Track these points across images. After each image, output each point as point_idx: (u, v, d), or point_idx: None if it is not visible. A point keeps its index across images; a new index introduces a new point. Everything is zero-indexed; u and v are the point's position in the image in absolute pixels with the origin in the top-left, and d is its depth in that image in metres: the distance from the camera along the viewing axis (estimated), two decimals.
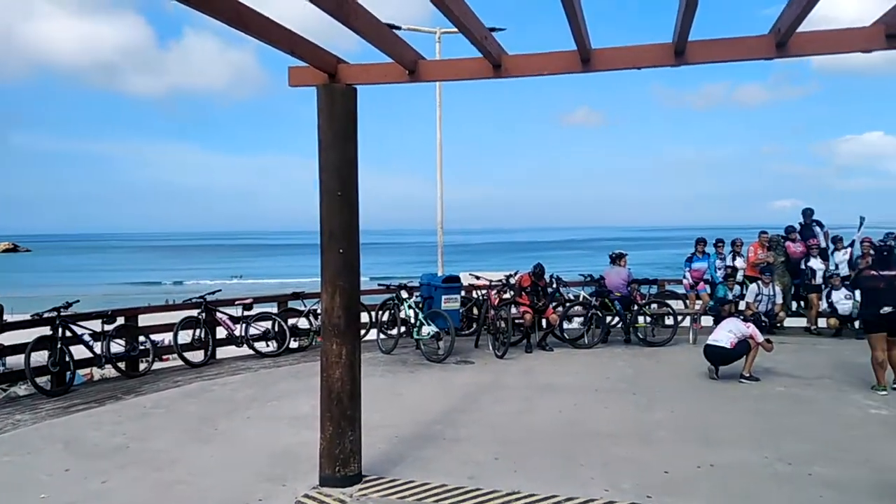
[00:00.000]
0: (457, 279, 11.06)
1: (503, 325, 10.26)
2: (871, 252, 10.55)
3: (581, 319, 11.75)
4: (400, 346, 10.64)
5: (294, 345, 11.00)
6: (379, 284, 11.93)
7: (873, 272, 8.05)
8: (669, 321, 11.81)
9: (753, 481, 5.24)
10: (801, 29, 4.34)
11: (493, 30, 9.08)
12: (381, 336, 10.89)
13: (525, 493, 5.03)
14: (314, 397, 5.59)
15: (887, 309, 7.70)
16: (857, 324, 10.95)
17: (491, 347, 10.41)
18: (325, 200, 5.10)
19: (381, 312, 11.26)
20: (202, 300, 10.42)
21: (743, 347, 8.49)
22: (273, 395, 8.06)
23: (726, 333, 8.57)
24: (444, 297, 10.53)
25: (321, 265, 5.15)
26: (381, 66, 5.11)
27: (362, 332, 11.25)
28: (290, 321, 11.05)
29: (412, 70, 5.06)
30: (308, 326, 11.20)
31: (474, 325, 11.65)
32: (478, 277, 12.36)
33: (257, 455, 5.94)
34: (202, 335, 10.18)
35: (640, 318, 11.55)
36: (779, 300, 11.74)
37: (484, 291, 11.85)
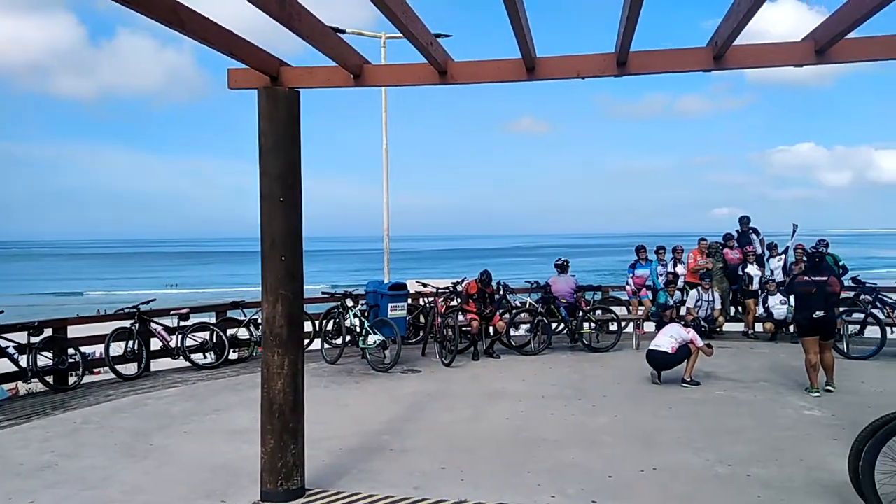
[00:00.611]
0: (403, 287, 10.98)
1: (450, 332, 10.23)
2: (804, 258, 10.98)
3: (528, 326, 11.83)
4: (345, 355, 10.48)
5: (234, 356, 10.70)
6: (323, 293, 11.74)
7: (806, 278, 8.32)
8: (613, 327, 12.03)
9: (695, 483, 5.34)
10: (737, 42, 4.47)
11: (438, 36, 9.04)
12: (326, 346, 10.71)
13: (472, 502, 4.99)
14: (255, 410, 5.43)
15: (819, 313, 7.98)
16: (791, 328, 11.36)
17: (438, 355, 10.36)
18: (267, 206, 4.96)
19: (325, 321, 11.08)
20: (135, 310, 10.03)
21: (684, 352, 8.69)
22: (211, 409, 7.80)
23: (668, 339, 8.76)
24: (390, 304, 10.43)
25: (262, 273, 5.01)
26: (325, 69, 5.02)
27: (306, 341, 11.07)
28: (230, 331, 10.74)
29: (357, 74, 4.99)
30: (248, 337, 10.91)
31: (421, 333, 11.59)
32: (425, 285, 12.31)
33: (195, 471, 5.73)
34: (135, 347, 9.80)
35: (586, 325, 11.72)
36: (718, 305, 12.08)
37: (431, 299, 11.82)
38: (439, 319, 10.60)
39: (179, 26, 3.94)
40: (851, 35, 4.39)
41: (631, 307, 13.14)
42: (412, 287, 12.65)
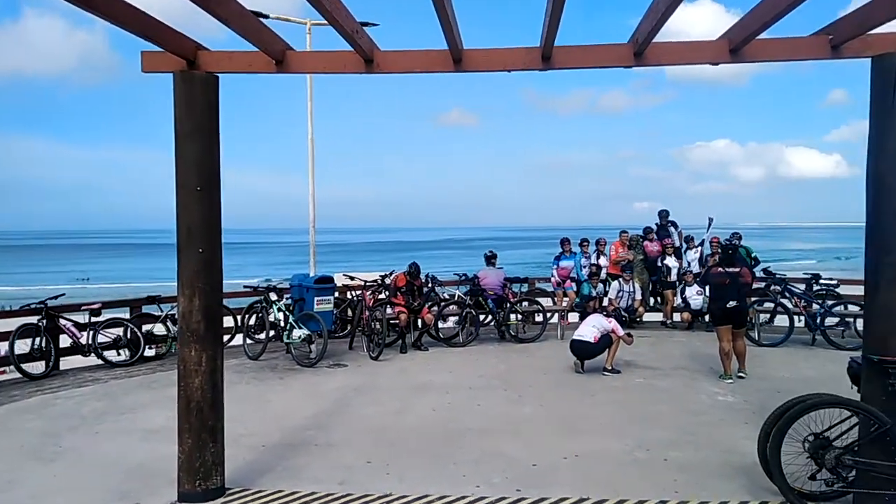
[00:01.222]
0: (330, 280, 10.82)
1: (378, 325, 10.15)
2: (719, 251, 11.48)
3: (456, 318, 11.88)
4: (269, 350, 10.24)
5: (150, 353, 10.27)
6: (245, 286, 11.42)
7: (720, 269, 8.66)
8: (539, 318, 12.23)
9: (615, 468, 5.49)
10: (656, 40, 4.60)
11: (365, 24, 8.90)
12: (248, 341, 10.43)
13: (397, 495, 4.96)
14: (172, 408, 5.22)
15: (732, 303, 8.36)
16: (706, 317, 11.87)
17: (365, 349, 10.27)
18: (183, 196, 4.76)
19: (247, 316, 10.80)
20: (42, 305, 9.46)
21: (605, 341, 8.93)
22: (125, 408, 7.46)
23: (590, 329, 8.98)
24: (316, 298, 10.26)
25: (178, 266, 4.80)
26: (245, 54, 4.86)
27: (227, 337, 10.76)
28: (145, 327, 10.28)
29: (280, 60, 4.84)
30: (166, 333, 10.48)
31: (349, 327, 11.45)
32: (352, 278, 12.17)
33: (108, 473, 5.46)
34: (43, 344, 9.23)
35: (513, 316, 11.86)
36: (638, 296, 12.47)
37: (358, 292, 11.70)
38: (367, 313, 10.51)
39: (88, 6, 3.72)
40: (763, 35, 4.59)
41: (556, 298, 13.41)
42: (339, 280, 12.49)
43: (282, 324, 10.00)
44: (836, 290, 12.30)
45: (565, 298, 13.10)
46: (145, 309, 10.69)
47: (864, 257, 4.67)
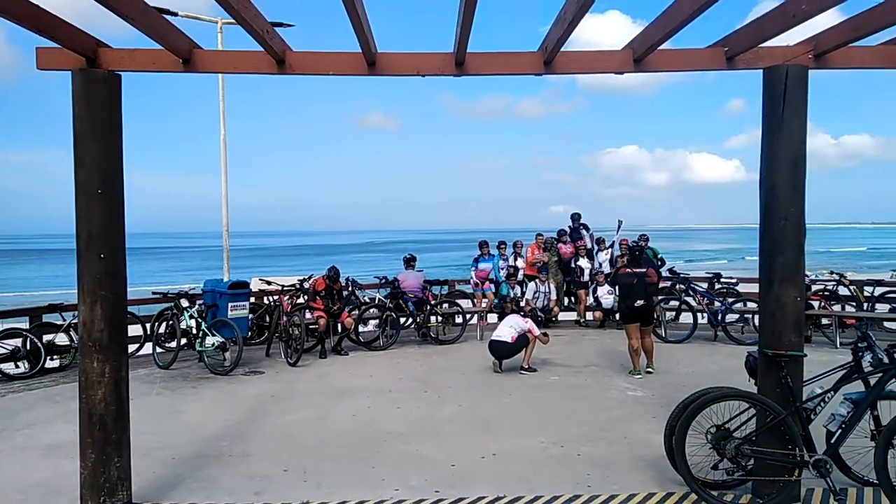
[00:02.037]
0: (244, 285, 10.54)
1: (296, 331, 9.97)
2: (627, 252, 11.94)
3: (376, 322, 11.83)
4: (180, 359, 9.86)
5: (53, 364, 9.70)
6: (154, 293, 10.97)
7: (628, 270, 9.02)
8: (459, 319, 12.35)
9: (531, 465, 5.61)
10: (565, 49, 4.74)
11: (278, 25, 8.76)
12: (159, 350, 10.01)
13: (315, 503, 4.89)
14: (75, 422, 4.94)
15: (640, 302, 8.74)
16: (617, 316, 12.31)
17: (283, 355, 10.06)
18: (83, 199, 4.53)
19: (157, 324, 10.38)
20: None
21: (522, 341, 9.12)
22: (24, 423, 7.02)
23: (508, 329, 9.16)
24: (230, 304, 9.97)
25: (78, 273, 4.56)
26: (149, 52, 4.68)
27: (136, 346, 10.32)
28: (46, 337, 9.70)
29: (187, 59, 4.69)
30: (69, 343, 9.92)
31: (266, 333, 11.19)
32: (269, 283, 11.92)
33: (5, 492, 5.12)
34: None
35: (433, 318, 11.92)
36: (553, 296, 12.81)
37: (276, 297, 11.46)
38: (284, 318, 10.30)
39: None
40: (665, 46, 4.82)
41: (475, 300, 13.58)
42: (256, 285, 12.20)
43: (194, 331, 9.67)
44: (736, 288, 13.04)
45: (484, 300, 13.29)
46: (47, 318, 10.07)
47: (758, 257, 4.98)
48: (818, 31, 5.09)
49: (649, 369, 8.98)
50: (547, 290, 12.64)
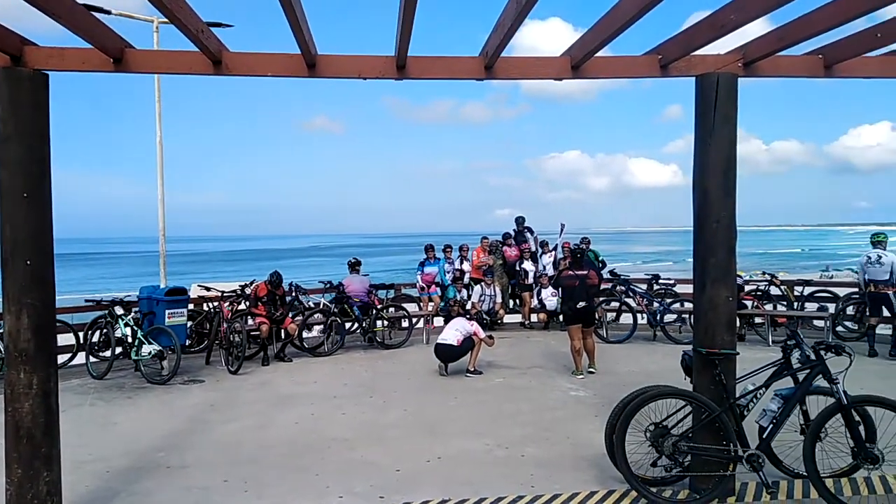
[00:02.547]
0: (182, 291, 10.24)
1: (237, 338, 9.75)
2: (570, 255, 12.16)
3: (321, 327, 11.68)
4: (116, 369, 9.52)
5: None
6: (87, 300, 10.55)
7: (570, 272, 9.23)
8: (406, 323, 12.31)
9: (476, 468, 5.63)
10: (505, 54, 4.80)
11: (216, 25, 8.57)
12: (92, 359, 9.64)
13: None
14: (2, 436, 4.71)
15: (582, 303, 8.93)
16: (560, 317, 12.49)
17: (224, 363, 9.82)
18: (8, 203, 4.31)
19: (90, 332, 9.99)
20: None
21: (468, 344, 9.16)
22: None
23: (453, 332, 9.19)
24: (167, 311, 9.67)
25: (2, 280, 4.35)
26: (78, 51, 4.51)
27: (68, 356, 9.92)
28: None
29: (118, 59, 4.54)
30: None
31: (206, 341, 10.91)
32: (208, 289, 11.62)
33: None
34: None
35: (379, 323, 11.85)
36: (499, 299, 12.91)
37: (216, 303, 11.18)
38: (225, 325, 10.06)
39: None
40: (602, 53, 4.92)
41: (421, 304, 13.56)
42: (195, 292, 11.88)
43: (129, 339, 9.33)
44: (674, 288, 13.42)
45: (430, 303, 13.29)
46: None
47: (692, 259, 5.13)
48: (747, 41, 5.30)
49: (591, 369, 9.16)
50: (492, 292, 12.74)
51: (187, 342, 10.48)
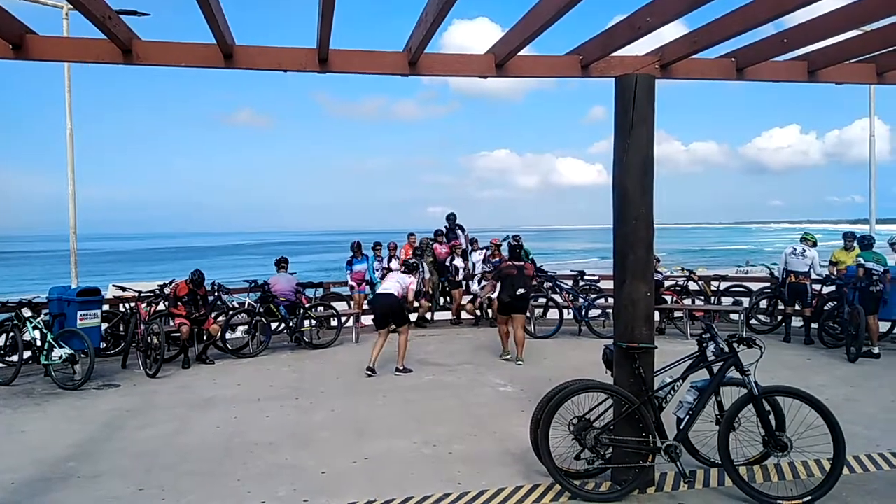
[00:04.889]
0: (96, 292, 9.74)
1: (155, 340, 9.35)
2: (497, 249, 12.35)
3: (245, 328, 11.36)
4: (23, 374, 8.98)
5: None
6: None
7: (509, 263, 10.04)
8: (335, 323, 12.12)
9: (403, 467, 5.59)
10: (429, 51, 4.77)
11: (129, 13, 8.17)
12: None
13: None
14: None
15: (520, 291, 9.59)
16: (489, 313, 12.63)
17: (141, 366, 9.42)
18: None
19: None
20: None
21: (401, 305, 9.21)
22: None
23: (394, 283, 9.28)
24: (79, 313, 9.19)
25: None
26: None
27: None
28: None
29: (17, 45, 4.26)
30: None
31: (122, 343, 10.43)
32: (124, 289, 11.11)
33: None
34: None
35: (306, 322, 11.63)
36: (427, 276, 12.95)
37: (132, 304, 10.70)
38: (142, 326, 9.64)
39: None
40: (524, 52, 4.97)
41: (352, 302, 13.41)
42: (110, 292, 11.36)
43: (38, 343, 8.83)
44: (598, 284, 13.76)
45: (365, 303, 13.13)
46: None
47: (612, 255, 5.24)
48: (664, 43, 5.46)
49: (519, 361, 9.41)
50: (422, 270, 12.78)
51: (102, 345, 10.00)
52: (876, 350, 9.76)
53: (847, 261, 11.03)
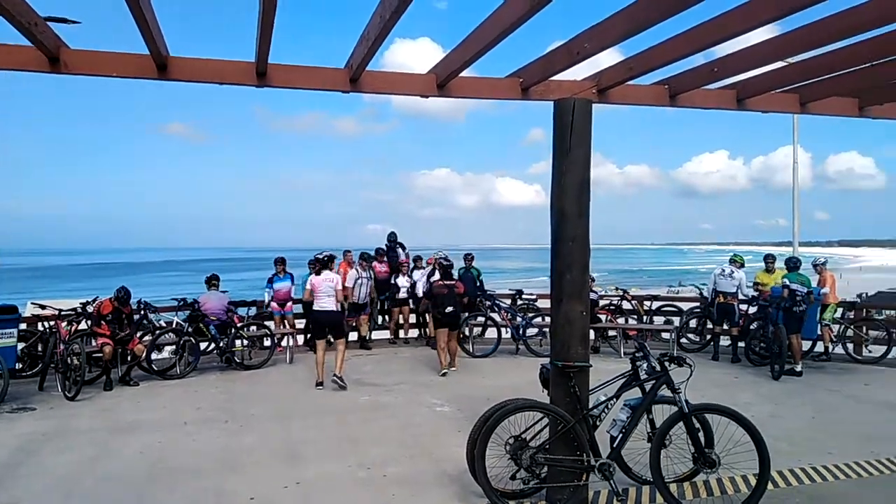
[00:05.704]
0: (12, 309, 9.18)
1: (75, 360, 8.88)
2: (439, 267, 12.33)
3: (173, 348, 10.91)
4: None
5: None
6: None
7: (441, 282, 10.37)
8: (268, 342, 11.80)
9: (336, 491, 5.45)
10: (371, 68, 4.75)
11: (59, 20, 7.85)
12: None
13: None
14: None
15: (450, 308, 10.00)
16: (427, 331, 12.62)
17: (60, 388, 8.91)
18: None
19: None
20: None
21: (339, 312, 9.58)
22: None
23: (328, 298, 9.37)
24: None
25: None
26: None
27: None
28: None
29: None
30: None
31: (40, 364, 9.85)
32: (43, 307, 10.54)
33: None
34: None
35: (238, 342, 11.28)
36: (371, 283, 12.75)
37: (52, 323, 10.14)
38: (62, 346, 9.14)
39: None
40: (466, 73, 5.01)
41: (275, 323, 12.58)
42: (28, 310, 10.77)
43: None
44: (536, 303, 13.92)
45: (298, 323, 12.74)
46: None
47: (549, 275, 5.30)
48: (602, 69, 5.61)
49: (453, 367, 10.08)
50: (369, 275, 12.59)
51: (18, 366, 9.41)
52: (798, 368, 10.18)
53: (769, 282, 11.50)
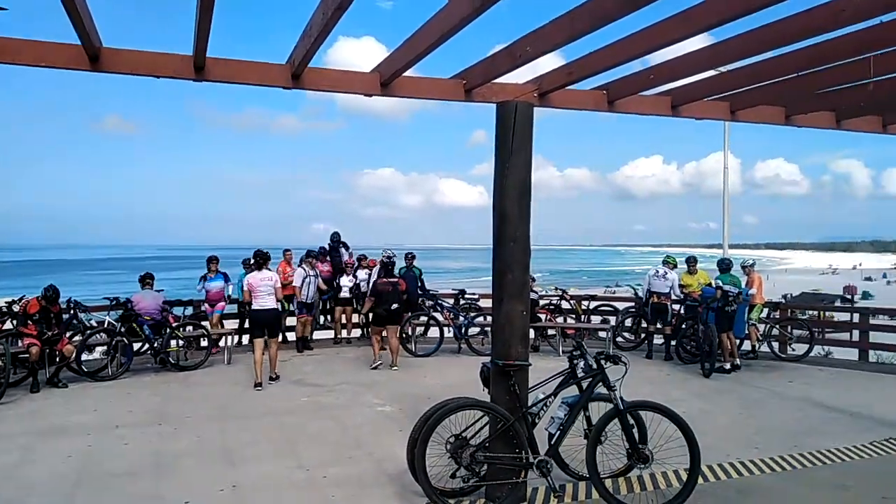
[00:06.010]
0: None
1: (0, 361, 8.47)
2: (381, 266, 12.30)
3: (104, 348, 10.51)
4: None
5: None
6: None
7: (384, 280, 10.60)
8: (205, 343, 11.51)
9: (273, 493, 5.37)
10: (314, 65, 4.70)
11: None
12: None
13: None
14: None
15: (394, 305, 10.32)
16: (369, 317, 12.61)
17: None
18: None
19: None
20: None
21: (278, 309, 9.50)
22: None
23: (268, 296, 9.26)
24: None
25: None
26: None
27: None
28: None
29: None
30: None
31: None
32: None
33: None
34: None
35: (173, 342, 10.96)
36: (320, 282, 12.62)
37: None
38: None
39: None
40: (409, 73, 5.01)
41: (210, 324, 12.30)
42: None
43: None
44: (478, 303, 14.04)
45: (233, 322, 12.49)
46: None
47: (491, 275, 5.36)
48: (543, 73, 5.70)
49: (394, 367, 10.14)
50: (316, 273, 12.44)
51: None
52: (737, 362, 10.60)
53: (692, 283, 11.90)
